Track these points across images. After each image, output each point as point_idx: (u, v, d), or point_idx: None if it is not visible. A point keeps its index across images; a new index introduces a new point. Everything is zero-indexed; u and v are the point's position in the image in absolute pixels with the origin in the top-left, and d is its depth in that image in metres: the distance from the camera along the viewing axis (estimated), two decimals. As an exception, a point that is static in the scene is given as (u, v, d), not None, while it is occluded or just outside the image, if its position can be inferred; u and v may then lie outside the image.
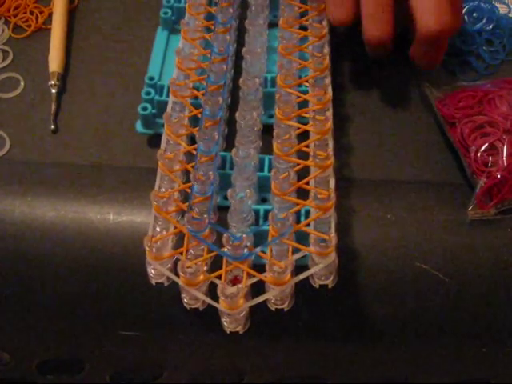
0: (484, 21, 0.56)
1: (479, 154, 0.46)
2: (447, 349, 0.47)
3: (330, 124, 0.45)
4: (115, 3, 0.58)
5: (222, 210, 0.43)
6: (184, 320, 0.45)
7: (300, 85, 0.48)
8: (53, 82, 0.52)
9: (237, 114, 0.45)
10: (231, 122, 0.47)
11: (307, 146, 0.44)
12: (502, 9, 0.57)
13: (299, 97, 0.46)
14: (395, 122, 0.51)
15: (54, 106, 0.51)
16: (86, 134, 0.50)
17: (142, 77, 0.52)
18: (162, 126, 0.46)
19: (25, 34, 0.56)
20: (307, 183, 0.43)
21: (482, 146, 0.46)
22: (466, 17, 0.56)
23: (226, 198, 0.44)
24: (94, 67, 0.54)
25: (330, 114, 0.46)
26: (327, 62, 0.48)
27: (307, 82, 0.48)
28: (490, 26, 0.55)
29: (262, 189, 0.45)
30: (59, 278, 0.45)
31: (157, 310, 0.45)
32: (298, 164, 0.43)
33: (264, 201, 0.45)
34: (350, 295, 0.44)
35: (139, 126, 0.49)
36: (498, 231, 0.45)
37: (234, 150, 0.44)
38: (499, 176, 0.45)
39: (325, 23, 0.51)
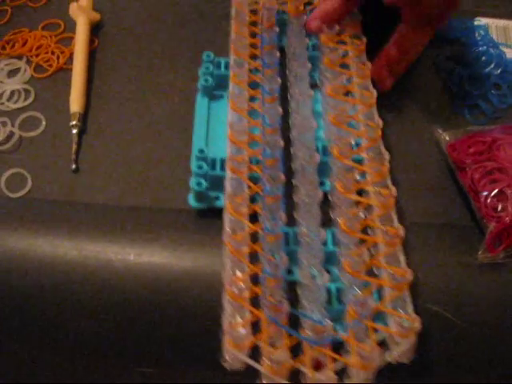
0: (492, 65, 0.57)
1: (489, 200, 0.47)
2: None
3: (393, 200, 0.45)
4: (134, 44, 0.60)
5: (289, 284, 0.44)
6: (201, 361, 0.46)
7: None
8: (74, 123, 0.53)
9: (296, 193, 0.46)
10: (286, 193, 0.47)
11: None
12: (509, 53, 0.58)
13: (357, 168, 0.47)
14: (408, 166, 0.52)
15: (74, 146, 0.52)
16: (106, 174, 0.51)
17: (164, 117, 0.54)
18: (215, 198, 0.48)
19: (46, 74, 0.58)
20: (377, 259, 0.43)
21: (491, 191, 0.47)
22: (474, 61, 0.58)
23: (289, 271, 0.44)
24: (115, 108, 0.56)
25: (391, 186, 0.46)
26: (380, 131, 0.49)
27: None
28: (498, 71, 0.57)
29: (327, 261, 0.45)
30: (79, 316, 0.46)
31: (176, 348, 0.46)
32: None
33: (327, 273, 0.45)
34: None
35: (192, 201, 0.49)
36: (507, 274, 0.46)
37: (303, 229, 0.44)
38: (508, 221, 0.46)
39: (372, 89, 0.51)
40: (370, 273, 0.44)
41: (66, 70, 0.58)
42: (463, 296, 0.46)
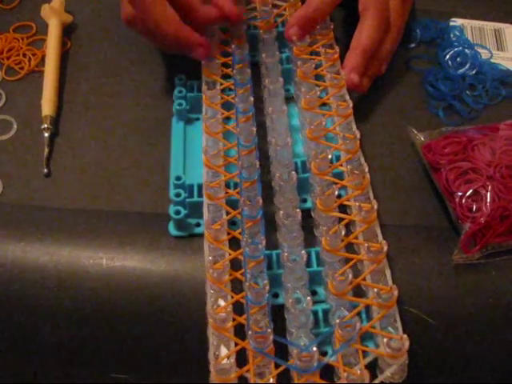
0: (467, 66, 0.57)
1: (464, 200, 0.47)
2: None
3: (375, 214, 0.44)
4: (107, 46, 0.59)
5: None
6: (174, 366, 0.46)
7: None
8: (46, 126, 0.53)
9: (280, 214, 0.44)
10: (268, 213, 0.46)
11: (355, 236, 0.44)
12: (484, 54, 0.59)
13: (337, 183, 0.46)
14: (383, 167, 0.52)
15: (46, 150, 0.52)
16: (78, 178, 0.51)
17: (135, 121, 0.53)
18: (195, 225, 0.47)
19: (18, 77, 0.57)
20: (363, 278, 0.43)
21: (466, 192, 0.47)
22: (450, 62, 0.58)
23: (273, 295, 0.44)
24: (88, 111, 0.55)
25: (373, 199, 0.46)
26: (358, 143, 0.48)
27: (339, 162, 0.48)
28: (474, 71, 0.57)
29: (312, 282, 0.44)
30: (51, 321, 0.45)
31: (149, 353, 0.45)
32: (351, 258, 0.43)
33: (314, 293, 0.45)
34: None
35: (172, 229, 0.47)
36: (482, 275, 0.46)
37: (284, 255, 0.43)
38: (483, 221, 0.46)
39: (348, 99, 0.51)
40: (357, 291, 0.43)
41: (37, 73, 0.57)
42: (439, 297, 0.46)
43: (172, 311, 0.45)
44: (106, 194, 0.50)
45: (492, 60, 0.59)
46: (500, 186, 0.47)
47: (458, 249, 0.46)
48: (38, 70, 0.57)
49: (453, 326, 0.45)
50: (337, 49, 0.54)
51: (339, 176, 0.47)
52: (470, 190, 0.48)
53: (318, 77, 0.52)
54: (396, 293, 0.41)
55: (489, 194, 0.47)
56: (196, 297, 0.44)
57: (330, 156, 0.47)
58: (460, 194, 0.48)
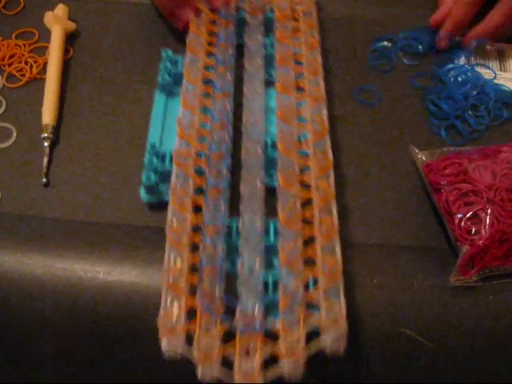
0: (470, 86, 0.57)
1: (463, 222, 0.47)
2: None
3: (332, 191, 0.46)
4: (109, 55, 0.59)
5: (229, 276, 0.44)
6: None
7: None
8: (46, 135, 0.52)
9: (241, 185, 0.46)
10: (232, 186, 0.48)
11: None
12: (488, 74, 0.59)
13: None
14: (384, 185, 0.52)
15: (46, 159, 0.51)
16: (77, 188, 0.51)
17: (136, 131, 0.53)
18: (166, 193, 0.48)
19: (19, 84, 0.57)
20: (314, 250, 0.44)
21: (465, 214, 0.47)
22: (453, 81, 0.57)
23: (231, 263, 0.44)
24: (88, 120, 0.55)
25: (332, 180, 0.47)
26: (326, 125, 0.49)
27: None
28: (476, 91, 0.57)
29: (268, 253, 0.45)
30: (46, 334, 0.45)
31: (144, 367, 0.45)
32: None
33: (270, 264, 0.45)
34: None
35: (143, 194, 0.49)
36: (479, 297, 0.46)
37: (241, 221, 0.44)
38: (481, 244, 0.46)
39: (322, 85, 0.53)
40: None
41: (39, 80, 0.57)
42: (436, 319, 0.45)
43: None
44: (104, 205, 0.50)
45: (495, 80, 0.58)
46: (499, 210, 0.47)
47: (455, 271, 0.46)
48: (39, 78, 0.57)
49: (449, 349, 0.45)
50: (317, 37, 0.56)
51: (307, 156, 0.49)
52: (470, 213, 0.47)
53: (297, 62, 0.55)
54: (341, 265, 0.42)
55: (488, 217, 0.47)
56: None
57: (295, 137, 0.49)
58: (459, 215, 0.47)
